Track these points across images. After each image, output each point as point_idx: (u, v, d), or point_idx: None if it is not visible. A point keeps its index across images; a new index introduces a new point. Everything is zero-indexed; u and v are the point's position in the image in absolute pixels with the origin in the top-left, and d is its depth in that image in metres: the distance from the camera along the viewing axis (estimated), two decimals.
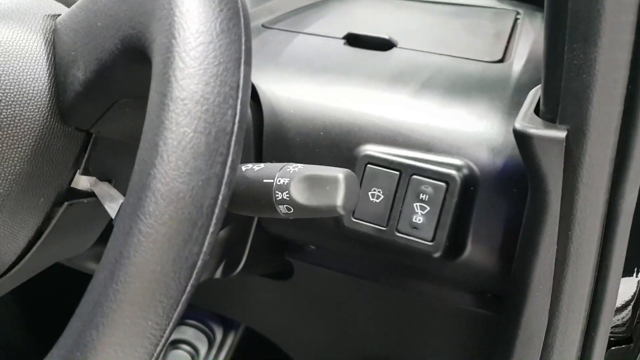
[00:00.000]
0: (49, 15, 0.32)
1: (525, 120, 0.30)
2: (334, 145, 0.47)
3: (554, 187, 0.29)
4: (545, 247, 0.31)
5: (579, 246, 0.30)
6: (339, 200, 0.33)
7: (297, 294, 0.63)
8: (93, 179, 0.35)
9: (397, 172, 0.45)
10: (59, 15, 0.32)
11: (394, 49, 0.54)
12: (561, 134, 0.29)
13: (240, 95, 0.24)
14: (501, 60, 0.51)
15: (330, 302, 0.62)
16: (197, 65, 0.23)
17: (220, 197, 0.24)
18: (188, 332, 0.95)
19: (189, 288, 0.24)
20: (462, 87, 0.48)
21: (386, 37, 0.53)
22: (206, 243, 0.24)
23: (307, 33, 0.57)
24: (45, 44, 0.30)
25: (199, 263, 0.24)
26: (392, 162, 0.45)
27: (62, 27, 0.30)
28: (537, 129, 0.29)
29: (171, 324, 0.24)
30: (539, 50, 0.51)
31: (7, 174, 0.30)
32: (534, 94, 0.34)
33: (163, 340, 0.24)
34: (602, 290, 0.31)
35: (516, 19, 0.58)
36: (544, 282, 0.31)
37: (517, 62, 0.50)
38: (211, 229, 0.24)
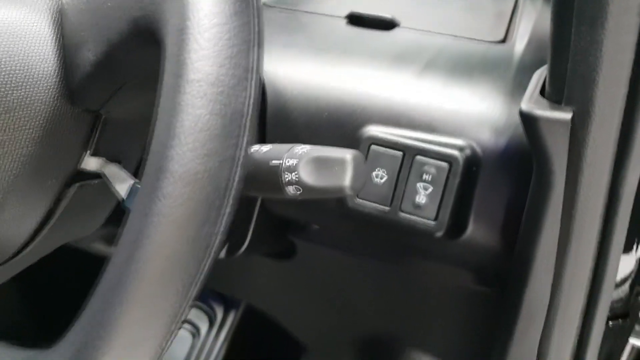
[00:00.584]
0: None
1: (532, 102, 0.31)
2: (338, 126, 0.48)
3: (559, 167, 0.30)
4: (549, 225, 0.31)
5: (582, 224, 0.31)
6: (347, 181, 0.33)
7: (299, 273, 0.64)
8: (102, 160, 0.35)
9: (401, 153, 0.45)
10: None
11: (397, 29, 0.54)
12: (567, 115, 0.29)
13: (253, 77, 0.25)
14: (503, 41, 0.51)
15: (332, 281, 0.63)
16: (211, 47, 0.24)
17: (236, 178, 0.25)
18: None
19: (206, 267, 0.24)
20: (464, 68, 0.48)
21: (389, 16, 0.54)
22: (222, 223, 0.24)
23: (309, 12, 0.57)
24: (53, 24, 0.30)
25: (216, 243, 0.24)
26: (395, 142, 0.46)
27: (70, 7, 0.30)
28: (544, 111, 0.29)
29: (189, 302, 0.24)
30: (541, 30, 0.51)
31: (16, 156, 0.30)
32: (539, 75, 0.34)
33: (181, 318, 0.24)
34: (603, 268, 0.32)
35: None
36: (547, 259, 0.32)
37: (519, 43, 0.50)
38: (227, 210, 0.25)
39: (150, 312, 0.23)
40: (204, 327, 0.96)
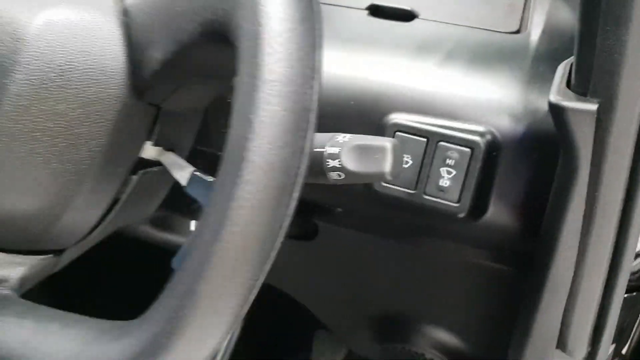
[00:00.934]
0: None
1: (559, 94, 0.33)
2: (364, 114, 0.51)
3: (585, 153, 0.33)
4: (575, 205, 0.34)
5: (605, 206, 0.34)
6: (388, 167, 0.36)
7: (320, 252, 0.67)
8: (160, 149, 0.38)
9: (425, 139, 0.48)
10: None
11: (416, 20, 0.56)
12: (593, 106, 0.32)
13: (317, 75, 0.28)
14: (518, 31, 0.54)
15: (352, 260, 0.66)
16: (283, 51, 0.26)
17: (302, 167, 0.28)
18: None
19: (277, 246, 0.27)
20: (483, 57, 0.51)
21: (408, 8, 0.56)
22: (291, 207, 0.27)
23: (330, 4, 0.59)
24: (120, 26, 0.33)
25: (285, 224, 0.27)
26: (419, 129, 0.48)
27: (135, 9, 0.33)
28: (571, 102, 0.32)
29: (263, 276, 0.27)
30: (554, 21, 0.54)
31: (91, 147, 0.33)
32: (563, 68, 0.37)
33: (256, 290, 0.27)
34: (623, 244, 0.35)
35: None
36: (572, 236, 0.35)
37: (534, 33, 0.53)
38: (295, 194, 0.28)
39: (232, 284, 0.26)
40: None
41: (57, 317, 0.31)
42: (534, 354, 0.40)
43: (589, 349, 0.39)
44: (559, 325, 0.38)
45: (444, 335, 0.66)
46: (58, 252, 0.37)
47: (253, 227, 0.26)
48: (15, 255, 0.35)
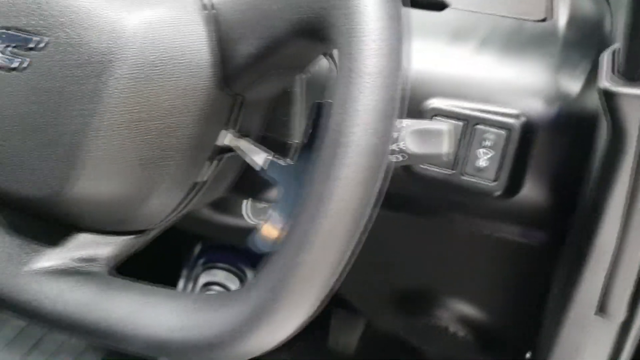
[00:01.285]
0: None
1: (608, 80, 0.37)
2: (403, 99, 0.53)
3: (633, 134, 0.36)
4: (621, 182, 0.38)
5: None
6: (445, 148, 0.39)
7: None
8: (236, 135, 0.40)
9: (462, 122, 0.51)
10: None
11: (448, 9, 0.59)
12: None
13: (404, 68, 0.30)
14: (544, 20, 0.57)
15: (376, 235, 0.69)
16: (377, 47, 0.29)
17: (388, 149, 0.31)
18: (219, 275, 1.01)
19: (371, 214, 0.31)
20: (514, 44, 0.54)
21: None
22: (381, 183, 0.31)
23: None
24: (209, 22, 0.35)
25: (376, 200, 0.31)
26: (457, 113, 0.51)
27: (224, 7, 0.35)
28: (622, 87, 0.36)
29: (360, 238, 0.31)
30: (577, 10, 0.57)
31: (179, 135, 0.36)
32: (608, 56, 0.40)
33: (356, 249, 0.31)
34: None
35: None
36: (617, 209, 0.39)
37: (561, 20, 0.56)
38: (382, 175, 0.31)
39: (330, 255, 0.29)
40: (234, 287, 1.00)
41: (158, 291, 0.34)
42: (574, 321, 0.44)
43: (628, 313, 0.43)
44: (599, 291, 0.42)
45: (467, 309, 0.69)
46: (142, 232, 0.40)
47: (350, 203, 0.29)
48: (104, 236, 0.38)
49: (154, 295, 0.33)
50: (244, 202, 0.59)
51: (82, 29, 0.33)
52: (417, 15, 0.58)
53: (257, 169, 0.39)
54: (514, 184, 0.51)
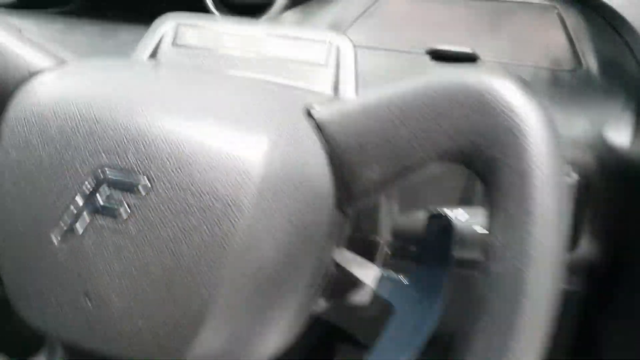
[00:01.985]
0: (304, 111, 0.33)
1: None
2: None
3: None
4: None
5: None
6: None
7: None
8: (345, 251, 0.37)
9: None
10: (312, 109, 0.33)
11: (478, 62, 0.58)
12: None
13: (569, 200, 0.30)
14: (576, 68, 0.58)
15: None
16: (550, 190, 0.28)
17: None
18: None
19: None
20: (556, 95, 0.54)
21: (470, 50, 0.58)
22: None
23: (389, 49, 0.60)
24: (321, 145, 0.32)
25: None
26: None
27: (337, 127, 0.31)
28: None
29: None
30: (604, 52, 0.58)
31: (306, 264, 0.32)
32: None
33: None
34: None
35: (561, 18, 0.65)
36: None
37: (592, 68, 0.57)
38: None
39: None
40: None
41: None
42: None
43: None
44: None
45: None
46: None
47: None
48: None
49: None
50: None
51: (200, 170, 0.29)
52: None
53: (367, 284, 0.36)
54: (571, 240, 0.52)
